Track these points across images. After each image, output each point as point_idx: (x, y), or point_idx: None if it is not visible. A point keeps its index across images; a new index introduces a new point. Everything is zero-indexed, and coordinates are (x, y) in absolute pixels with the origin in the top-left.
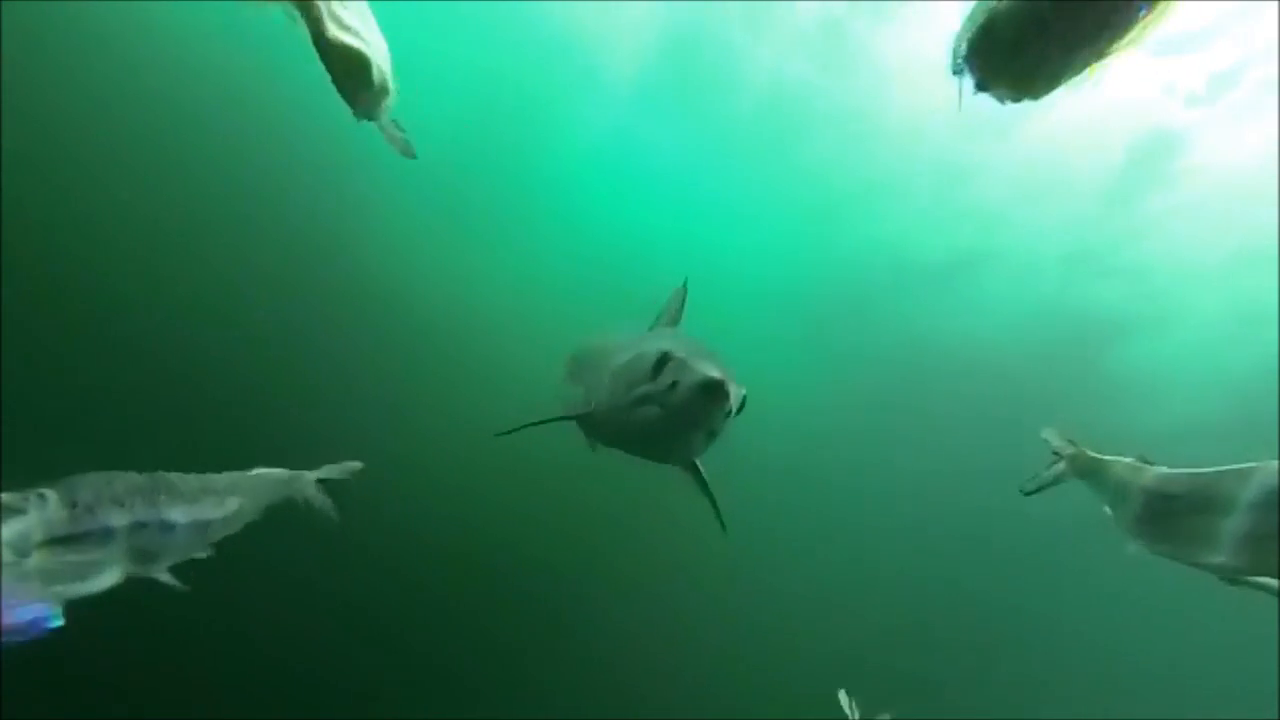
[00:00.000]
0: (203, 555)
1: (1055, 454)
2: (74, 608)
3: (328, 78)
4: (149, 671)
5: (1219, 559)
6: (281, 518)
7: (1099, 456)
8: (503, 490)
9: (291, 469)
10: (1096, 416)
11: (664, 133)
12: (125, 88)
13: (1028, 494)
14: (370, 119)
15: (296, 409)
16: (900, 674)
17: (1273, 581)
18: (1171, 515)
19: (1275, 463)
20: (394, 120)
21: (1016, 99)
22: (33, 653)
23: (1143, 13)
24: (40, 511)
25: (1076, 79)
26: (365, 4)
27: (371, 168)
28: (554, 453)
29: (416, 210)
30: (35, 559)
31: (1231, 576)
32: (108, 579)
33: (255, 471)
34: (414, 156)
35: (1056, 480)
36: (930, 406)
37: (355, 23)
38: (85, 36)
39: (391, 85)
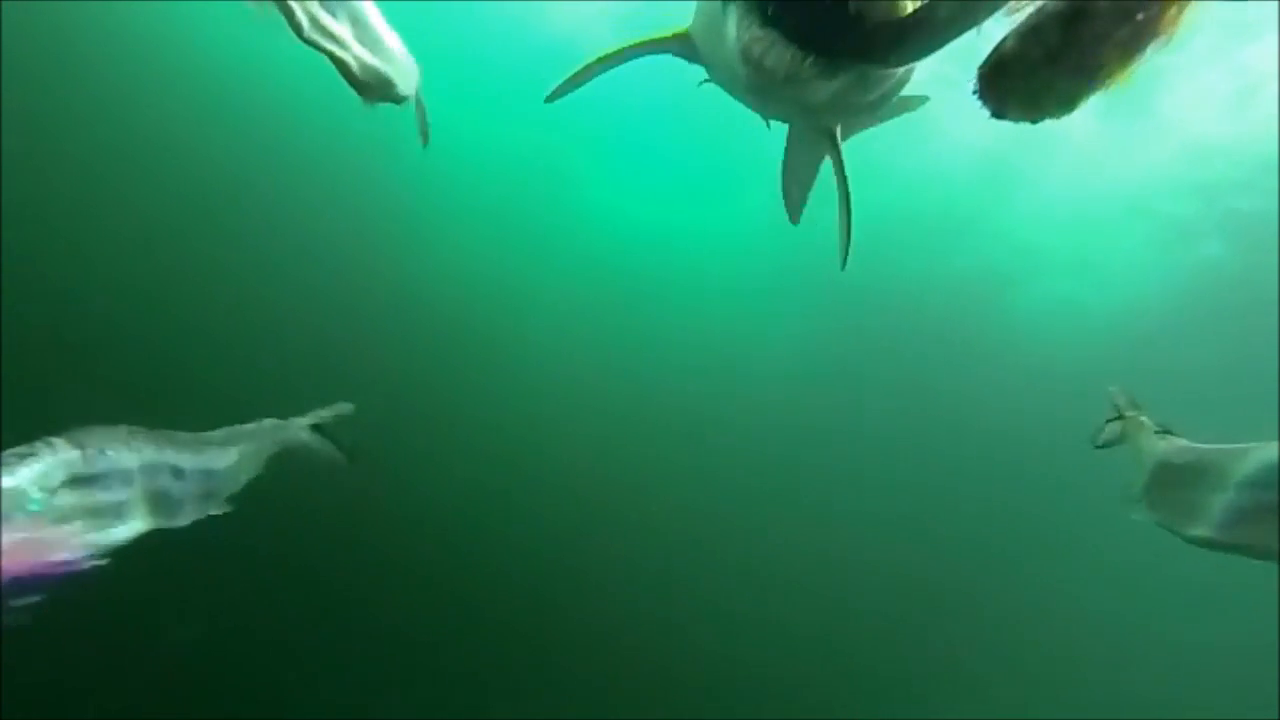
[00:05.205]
0: (220, 512)
1: (1114, 412)
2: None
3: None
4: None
5: (1205, 532)
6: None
7: (1142, 422)
8: (526, 487)
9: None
10: (992, 360)
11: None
12: (177, 100)
13: (1098, 448)
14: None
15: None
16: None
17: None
18: (1169, 486)
19: (1273, 444)
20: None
21: (1033, 122)
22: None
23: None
24: (53, 454)
25: (1086, 102)
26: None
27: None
28: (563, 451)
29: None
30: (64, 498)
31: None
32: (137, 522)
33: (248, 426)
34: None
35: (1113, 440)
36: (867, 371)
37: (339, 26)
38: (139, 47)
39: (390, 79)
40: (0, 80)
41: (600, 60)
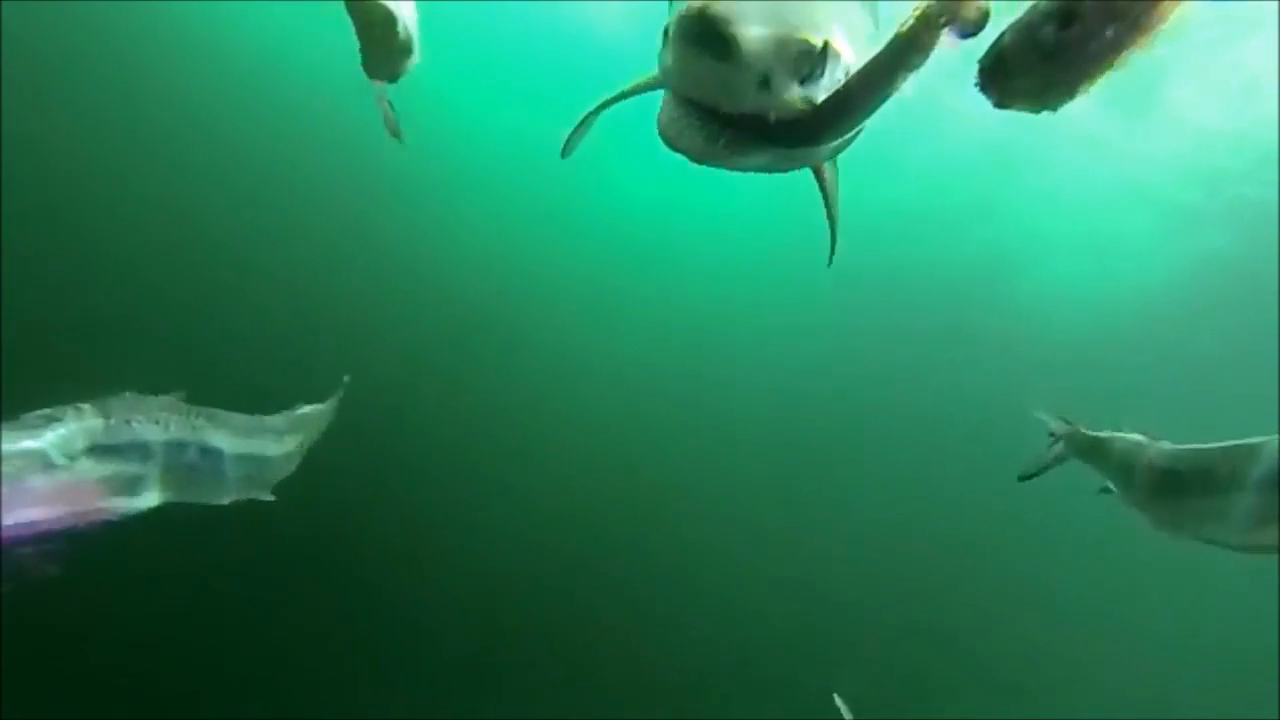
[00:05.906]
0: (266, 498)
1: (1052, 435)
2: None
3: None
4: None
5: (1232, 537)
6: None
7: (1097, 435)
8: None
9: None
10: (1000, 342)
11: None
12: (212, 89)
13: (1025, 479)
14: (390, 81)
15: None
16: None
17: None
18: (1179, 493)
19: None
20: (389, 102)
21: (1035, 111)
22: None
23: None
24: (78, 420)
25: (1085, 91)
26: None
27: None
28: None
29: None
30: (85, 464)
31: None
32: (152, 496)
33: (300, 410)
34: (399, 136)
35: (1057, 461)
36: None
37: None
38: (170, 37)
39: (415, 49)
40: (1, 76)
41: (597, 108)
